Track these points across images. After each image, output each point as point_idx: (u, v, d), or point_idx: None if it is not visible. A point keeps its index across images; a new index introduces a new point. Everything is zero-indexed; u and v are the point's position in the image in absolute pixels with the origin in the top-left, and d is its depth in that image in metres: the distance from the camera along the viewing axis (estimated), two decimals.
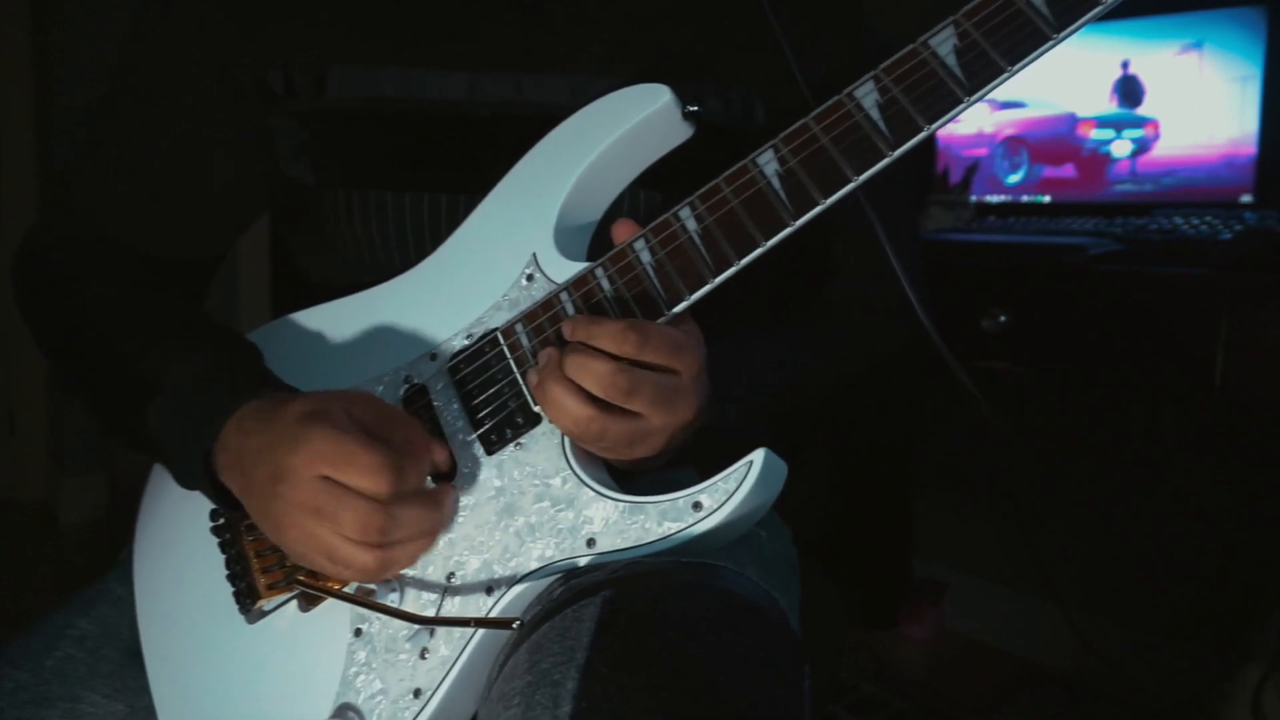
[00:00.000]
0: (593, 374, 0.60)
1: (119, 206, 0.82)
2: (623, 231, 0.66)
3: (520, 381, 0.67)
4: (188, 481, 0.69)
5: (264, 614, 0.70)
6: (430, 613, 0.65)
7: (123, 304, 0.77)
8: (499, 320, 0.69)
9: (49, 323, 0.80)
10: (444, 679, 0.63)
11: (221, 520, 0.73)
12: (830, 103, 0.62)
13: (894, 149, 0.60)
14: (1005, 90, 0.60)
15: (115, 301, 0.78)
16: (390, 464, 0.59)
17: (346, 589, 0.67)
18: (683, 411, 0.62)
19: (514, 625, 0.60)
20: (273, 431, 0.62)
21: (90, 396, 0.77)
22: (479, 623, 0.62)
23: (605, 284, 0.66)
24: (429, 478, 0.67)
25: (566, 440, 0.65)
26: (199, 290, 0.88)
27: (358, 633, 0.66)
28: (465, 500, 0.66)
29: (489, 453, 0.67)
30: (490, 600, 0.63)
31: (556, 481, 0.64)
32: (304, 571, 0.68)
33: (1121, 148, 1.59)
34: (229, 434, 0.65)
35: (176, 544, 0.76)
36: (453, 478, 0.67)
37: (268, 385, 0.68)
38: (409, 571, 0.66)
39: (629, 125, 0.68)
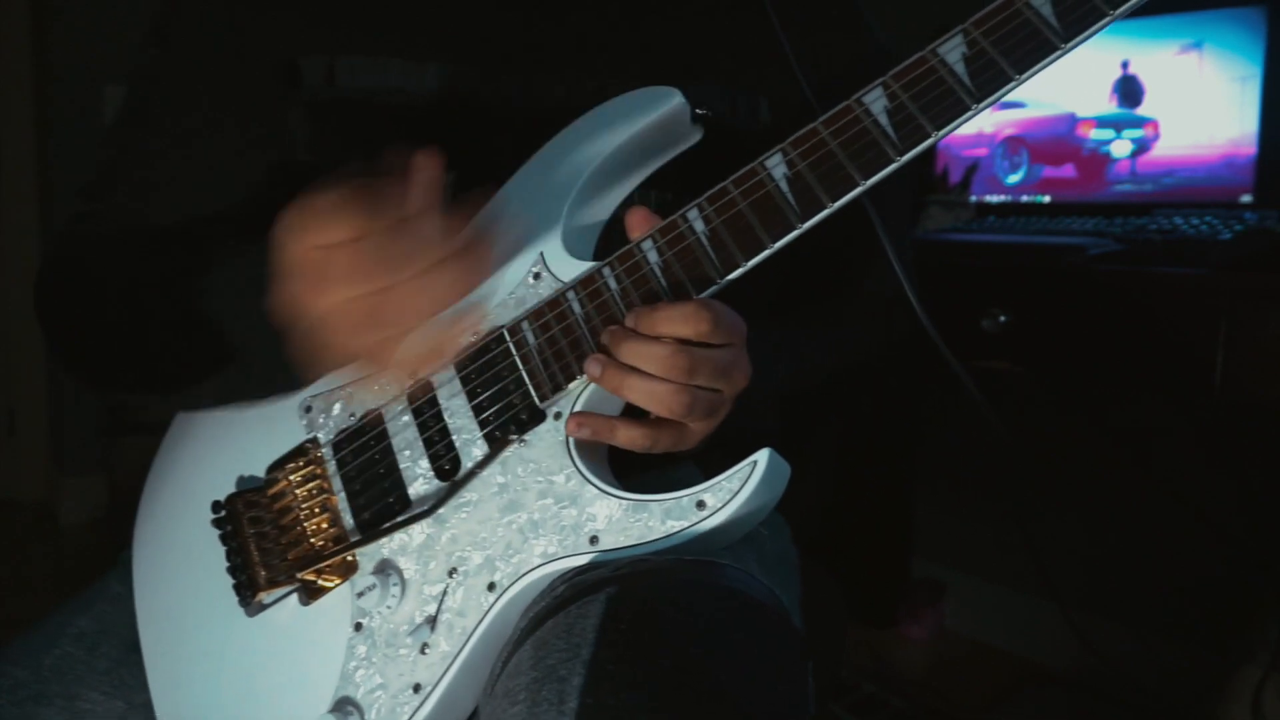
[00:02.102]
0: (654, 358, 0.61)
1: (150, 208, 0.80)
2: (636, 219, 0.66)
3: (525, 379, 0.67)
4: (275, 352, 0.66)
5: (264, 607, 0.71)
6: (431, 609, 0.65)
7: (170, 249, 0.77)
8: (505, 318, 0.69)
9: (85, 312, 0.78)
10: (444, 674, 0.63)
11: (223, 512, 0.73)
12: (839, 108, 0.63)
13: (901, 155, 0.61)
14: None
15: (159, 254, 0.77)
16: (351, 199, 0.58)
17: (350, 580, 0.67)
18: (741, 379, 0.64)
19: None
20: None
21: (149, 350, 0.76)
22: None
23: (612, 283, 0.66)
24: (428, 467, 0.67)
25: (571, 437, 0.65)
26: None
27: (358, 627, 0.67)
28: (468, 496, 0.66)
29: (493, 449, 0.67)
30: (492, 596, 0.63)
31: (560, 479, 0.64)
32: (305, 565, 0.68)
33: (1121, 148, 1.59)
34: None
35: (177, 537, 0.77)
36: (456, 474, 0.67)
37: None
38: (409, 568, 0.66)
39: (639, 127, 0.69)
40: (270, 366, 0.70)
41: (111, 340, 0.78)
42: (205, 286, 0.72)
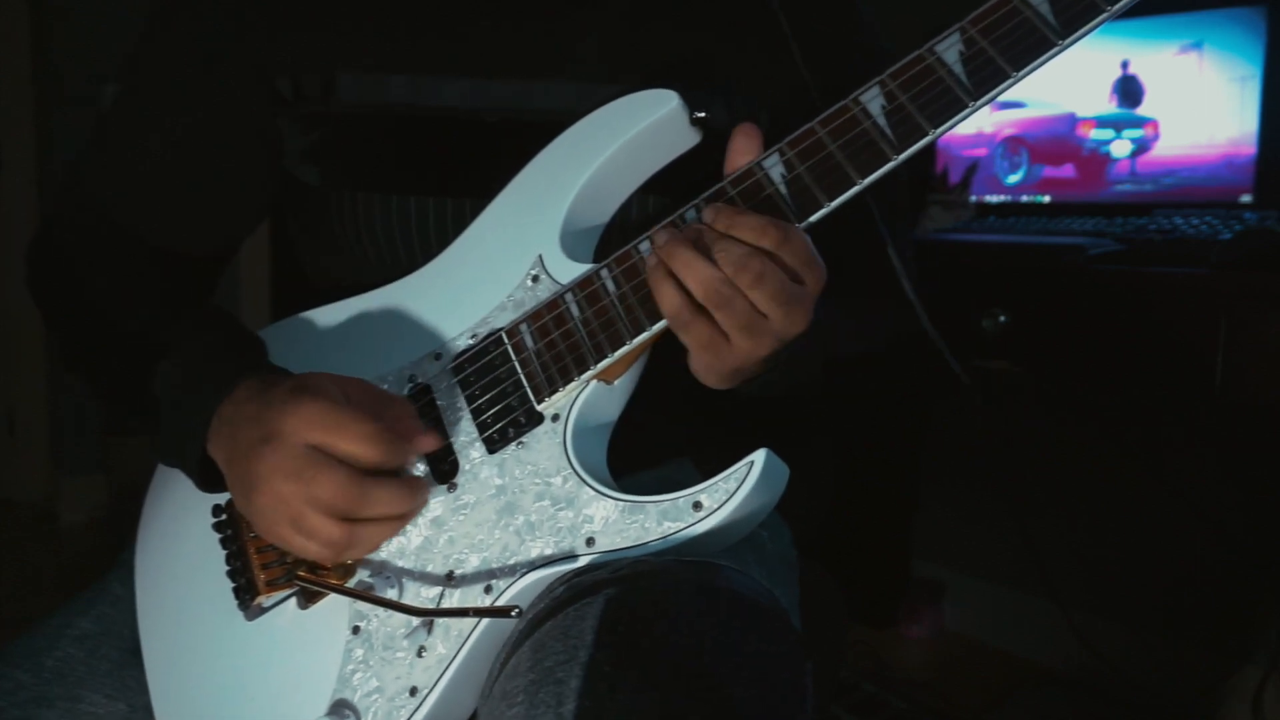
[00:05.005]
0: (728, 253, 0.60)
1: (130, 202, 0.83)
2: (741, 140, 0.64)
3: (524, 382, 0.67)
4: (173, 450, 0.70)
5: (263, 610, 0.71)
6: None
7: (137, 283, 0.79)
8: (503, 320, 0.69)
9: (61, 300, 0.81)
10: (441, 677, 0.63)
11: (224, 516, 0.73)
12: (836, 107, 0.63)
13: (899, 153, 0.61)
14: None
15: (129, 281, 0.79)
16: (381, 435, 0.61)
17: (348, 584, 0.67)
18: (797, 320, 0.61)
19: (513, 613, 0.61)
20: (266, 400, 0.64)
21: (95, 366, 0.78)
22: (478, 612, 0.62)
23: (610, 284, 0.66)
24: (426, 470, 0.68)
25: (568, 439, 0.65)
26: (207, 288, 0.89)
27: (356, 630, 0.67)
28: (466, 498, 0.66)
29: (490, 451, 0.67)
30: (489, 598, 0.63)
31: (557, 480, 0.64)
32: (304, 567, 0.68)
33: (1121, 148, 1.59)
34: (225, 404, 0.66)
35: (178, 541, 0.77)
36: (454, 475, 0.67)
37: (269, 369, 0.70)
38: (409, 567, 0.66)
39: (636, 130, 0.69)
40: (170, 446, 0.71)
41: (71, 327, 0.81)
42: (158, 365, 0.72)
